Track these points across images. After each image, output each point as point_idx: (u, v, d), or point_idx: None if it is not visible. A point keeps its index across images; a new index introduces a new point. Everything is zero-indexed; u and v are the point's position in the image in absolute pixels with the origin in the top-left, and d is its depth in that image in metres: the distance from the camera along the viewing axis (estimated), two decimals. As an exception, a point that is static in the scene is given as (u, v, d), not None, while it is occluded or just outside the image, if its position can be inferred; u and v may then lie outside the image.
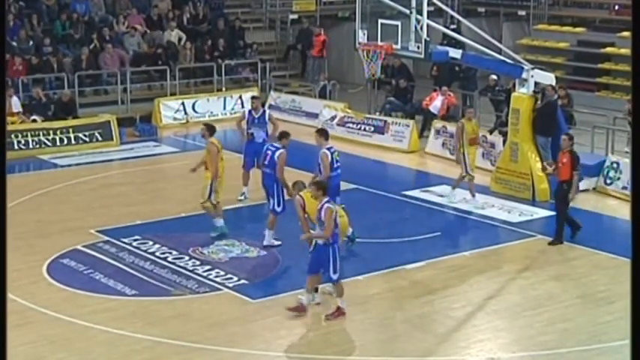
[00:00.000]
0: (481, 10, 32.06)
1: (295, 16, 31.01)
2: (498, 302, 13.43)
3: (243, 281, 13.83)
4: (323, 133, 15.40)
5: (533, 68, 18.53)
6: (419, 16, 17.92)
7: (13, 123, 22.11)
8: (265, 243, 15.12)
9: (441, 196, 18.48)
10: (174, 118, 25.43)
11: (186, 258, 14.78)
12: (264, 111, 18.35)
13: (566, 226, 15.68)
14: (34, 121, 22.97)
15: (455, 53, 19.14)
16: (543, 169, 16.83)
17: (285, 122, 25.37)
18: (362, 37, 19.15)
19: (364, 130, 23.49)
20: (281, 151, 15.26)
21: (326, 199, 12.22)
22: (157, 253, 15.00)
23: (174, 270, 14.23)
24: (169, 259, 14.76)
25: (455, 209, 17.65)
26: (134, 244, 15.42)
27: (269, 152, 15.43)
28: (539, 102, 18.46)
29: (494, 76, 23.61)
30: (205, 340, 11.82)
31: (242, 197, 17.87)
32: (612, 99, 26.13)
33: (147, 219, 16.74)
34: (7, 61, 23.25)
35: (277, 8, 31.19)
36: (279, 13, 31.24)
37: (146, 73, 27.02)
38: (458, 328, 12.46)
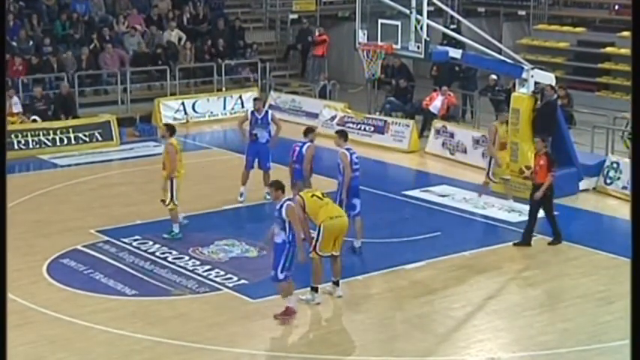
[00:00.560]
0: (481, 10, 32.07)
1: (295, 16, 31.01)
2: (498, 302, 13.44)
3: (243, 281, 13.83)
4: (342, 135, 15.23)
5: (533, 68, 18.54)
6: (419, 16, 17.93)
7: (13, 123, 22.12)
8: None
9: (442, 195, 18.49)
10: (174, 118, 25.38)
11: (186, 258, 14.78)
12: (267, 112, 18.33)
13: (544, 224, 15.63)
14: (34, 121, 22.97)
15: (455, 53, 19.14)
16: (520, 172, 16.82)
17: (285, 122, 25.38)
18: (362, 37, 19.16)
19: (364, 130, 23.49)
20: (308, 144, 15.38)
21: (286, 197, 12.16)
22: (157, 253, 15.00)
23: (174, 270, 14.23)
24: (169, 259, 14.76)
25: (455, 209, 17.64)
26: (134, 244, 15.42)
27: (297, 148, 15.51)
28: (538, 102, 18.46)
29: (494, 76, 23.63)
30: (205, 340, 11.83)
31: (242, 199, 17.84)
32: (612, 99, 26.14)
33: (147, 219, 16.73)
34: (7, 61, 23.25)
35: (277, 8, 31.19)
36: (279, 13, 31.24)
37: (146, 73, 27.02)
38: (458, 328, 12.46)
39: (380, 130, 23.17)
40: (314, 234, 12.86)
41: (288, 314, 12.28)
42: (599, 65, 27.83)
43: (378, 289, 13.73)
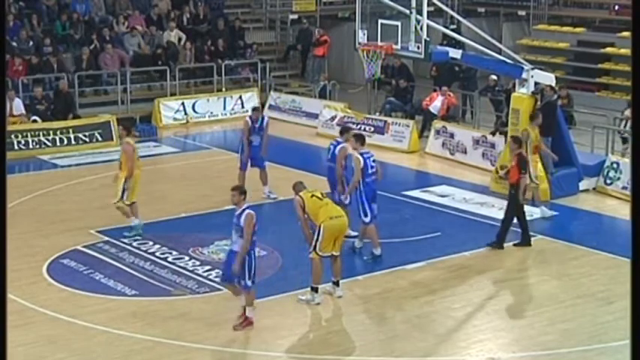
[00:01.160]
0: (481, 10, 32.07)
1: (295, 16, 31.01)
2: (498, 302, 13.44)
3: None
4: (359, 138, 15.08)
5: (533, 68, 18.53)
6: (419, 16, 17.93)
7: (13, 123, 22.13)
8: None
9: (442, 196, 18.50)
10: (174, 119, 25.44)
11: (187, 258, 14.79)
12: (263, 118, 18.21)
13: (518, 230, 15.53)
14: (35, 121, 22.98)
15: (455, 53, 19.14)
16: (496, 171, 16.82)
17: (285, 122, 25.48)
18: (362, 37, 19.16)
19: (364, 130, 23.38)
20: (342, 145, 15.33)
21: (246, 205, 11.95)
22: (157, 254, 15.01)
23: (175, 270, 14.23)
24: (169, 259, 14.76)
25: (455, 209, 17.64)
26: (134, 244, 15.41)
27: (332, 147, 15.52)
28: (538, 102, 18.45)
29: (494, 77, 23.63)
30: (205, 340, 11.82)
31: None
32: (612, 99, 26.14)
33: (147, 219, 16.73)
34: (7, 62, 23.25)
35: (277, 8, 31.19)
36: (279, 13, 31.24)
37: (146, 74, 27.02)
38: (458, 328, 12.46)
39: (380, 130, 23.16)
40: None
41: (247, 324, 12.06)
42: (599, 65, 27.83)
43: (378, 289, 13.73)
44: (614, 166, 18.55)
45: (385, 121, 23.32)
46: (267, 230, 16.54)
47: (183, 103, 25.66)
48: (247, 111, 26.32)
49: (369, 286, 13.80)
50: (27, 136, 22.14)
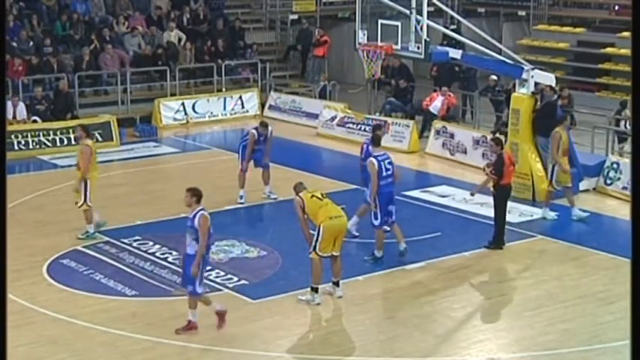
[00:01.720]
0: (481, 10, 32.07)
1: (295, 17, 31.02)
2: (498, 302, 13.44)
3: (243, 282, 13.83)
4: (374, 140, 15.03)
5: (533, 68, 18.53)
6: (419, 17, 17.94)
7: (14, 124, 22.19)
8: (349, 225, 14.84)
9: (442, 196, 18.50)
10: (175, 119, 25.44)
11: (187, 258, 14.76)
12: (269, 132, 18.10)
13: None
14: (35, 121, 22.99)
15: (455, 53, 19.15)
16: (484, 169, 16.76)
17: (285, 122, 25.48)
18: (362, 37, 19.17)
19: (364, 130, 23.45)
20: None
21: (200, 207, 11.70)
22: (157, 254, 15.01)
23: (175, 270, 14.21)
24: (169, 259, 14.76)
25: (455, 209, 17.64)
26: (134, 244, 15.42)
27: (364, 146, 15.51)
28: (538, 102, 18.46)
29: (494, 77, 23.63)
30: (205, 340, 11.82)
31: (242, 200, 17.82)
32: (612, 99, 26.09)
33: (147, 219, 16.74)
34: (7, 62, 23.26)
35: (277, 8, 31.19)
36: (279, 14, 31.24)
37: (146, 74, 27.02)
38: (458, 329, 12.46)
39: (380, 130, 23.13)
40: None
41: (190, 328, 11.86)
42: (599, 66, 27.83)
43: (378, 289, 13.73)
44: (614, 166, 18.55)
45: (385, 122, 23.29)
46: (267, 230, 16.61)
47: (183, 104, 25.67)
48: (247, 111, 26.47)
49: (369, 286, 13.80)
50: (27, 136, 22.15)
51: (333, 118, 24.29)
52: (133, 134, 24.18)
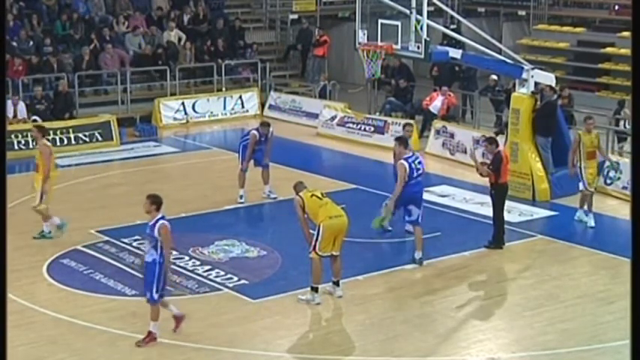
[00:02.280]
0: (481, 10, 32.08)
1: (295, 16, 31.01)
2: (498, 302, 13.45)
3: (243, 281, 13.83)
4: (403, 142, 14.92)
5: (533, 68, 18.54)
6: (419, 16, 17.93)
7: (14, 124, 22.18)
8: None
9: (442, 196, 18.49)
10: (175, 118, 25.44)
11: (187, 258, 14.79)
12: (270, 131, 18.10)
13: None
14: (35, 121, 22.97)
15: (455, 53, 19.15)
16: (477, 169, 16.75)
17: (285, 122, 25.48)
18: (362, 37, 19.17)
19: (364, 130, 23.50)
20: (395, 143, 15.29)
21: (160, 216, 11.50)
22: (157, 253, 14.98)
23: (175, 270, 14.20)
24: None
25: (455, 209, 17.64)
26: (134, 244, 15.41)
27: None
28: (538, 102, 18.46)
29: (494, 76, 23.64)
30: (205, 340, 11.83)
31: (242, 200, 17.83)
32: (612, 99, 26.07)
33: (147, 219, 16.68)
34: (7, 62, 23.26)
35: (277, 8, 31.19)
36: (279, 13, 31.24)
37: (146, 73, 27.02)
38: (458, 328, 12.46)
39: (380, 130, 23.17)
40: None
41: (151, 340, 11.63)
42: (599, 65, 27.83)
43: (378, 289, 13.73)
44: (615, 166, 18.54)
45: (385, 121, 23.32)
46: (267, 230, 16.61)
47: (183, 103, 25.66)
48: (247, 111, 26.46)
49: (369, 286, 13.79)
50: (27, 136, 22.10)
51: (333, 118, 24.30)
52: (132, 134, 24.18)
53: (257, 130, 17.95)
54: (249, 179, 17.89)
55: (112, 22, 27.63)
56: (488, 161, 15.73)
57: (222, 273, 14.13)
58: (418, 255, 14.59)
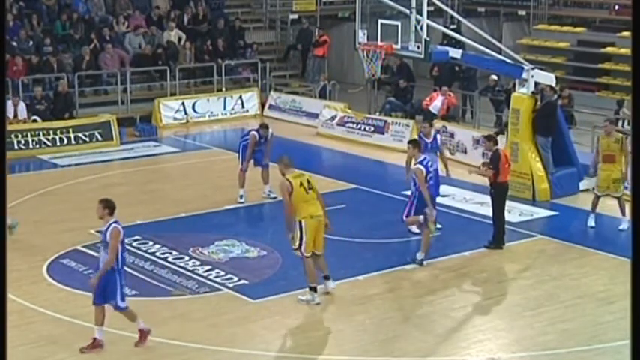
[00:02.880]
0: (481, 10, 32.07)
1: (295, 16, 31.01)
2: (498, 302, 13.44)
3: (243, 281, 13.83)
4: (416, 145, 14.98)
5: (533, 68, 18.53)
6: (419, 16, 17.94)
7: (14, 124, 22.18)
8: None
9: (442, 196, 18.44)
10: (175, 118, 25.44)
11: (187, 258, 14.78)
12: (269, 134, 18.10)
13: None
14: (35, 121, 23.00)
15: (455, 53, 19.15)
16: (479, 168, 16.74)
17: (285, 122, 25.49)
18: (362, 37, 19.17)
19: (364, 130, 23.50)
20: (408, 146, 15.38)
21: (114, 220, 11.24)
22: (157, 253, 15.00)
23: (175, 270, 14.23)
24: (169, 259, 14.76)
25: (455, 209, 17.64)
26: (134, 244, 15.39)
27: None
28: (538, 102, 18.46)
29: (494, 76, 23.64)
30: (205, 340, 11.82)
31: (242, 200, 17.83)
32: (612, 99, 26.08)
33: (147, 219, 16.74)
34: (7, 62, 23.26)
35: (277, 8, 31.19)
36: (279, 13, 31.24)
37: (146, 73, 27.02)
38: (458, 328, 12.46)
39: (380, 130, 23.17)
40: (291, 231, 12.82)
41: (95, 346, 11.41)
42: (599, 65, 27.82)
43: (378, 289, 13.72)
44: (614, 166, 18.49)
45: (385, 121, 23.33)
46: (267, 230, 16.60)
47: (183, 103, 25.67)
48: (247, 111, 26.46)
49: (369, 286, 13.79)
50: (27, 136, 22.15)
51: (333, 118, 24.30)
52: (132, 134, 24.18)
53: (257, 131, 17.96)
54: (249, 179, 17.89)
55: (112, 22, 27.63)
56: (488, 161, 15.74)
57: (222, 273, 14.13)
58: (420, 256, 14.58)
